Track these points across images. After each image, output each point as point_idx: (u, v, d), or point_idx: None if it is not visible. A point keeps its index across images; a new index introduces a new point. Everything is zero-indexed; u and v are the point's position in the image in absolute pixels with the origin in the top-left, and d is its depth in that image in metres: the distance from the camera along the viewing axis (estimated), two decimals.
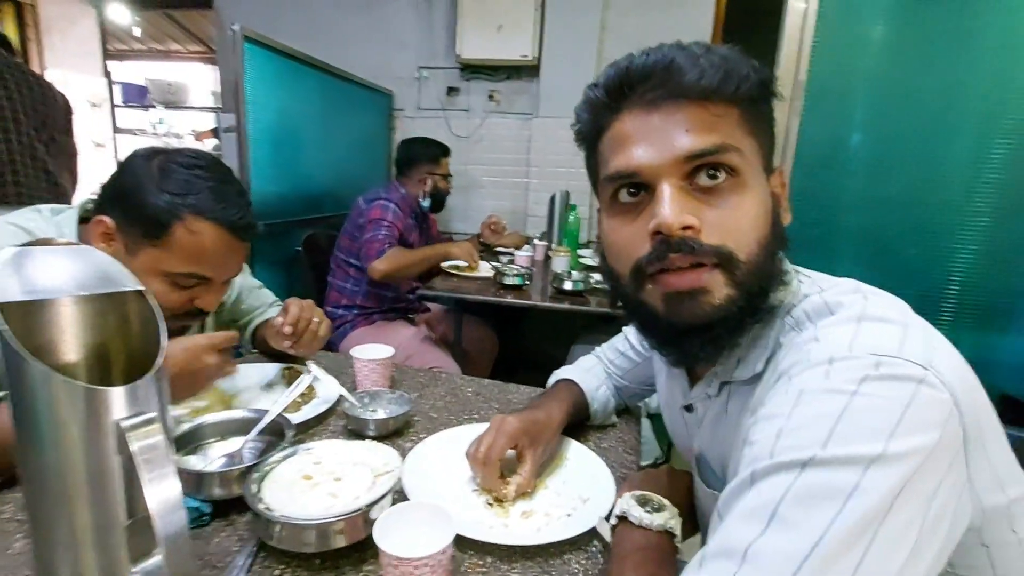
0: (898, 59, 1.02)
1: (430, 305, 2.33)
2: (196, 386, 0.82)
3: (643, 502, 0.63)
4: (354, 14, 3.14)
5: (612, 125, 0.53)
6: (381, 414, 0.91)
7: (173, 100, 5.40)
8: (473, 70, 3.05)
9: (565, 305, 1.81)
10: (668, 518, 0.61)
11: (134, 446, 0.44)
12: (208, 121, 5.08)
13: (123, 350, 0.52)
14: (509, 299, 1.85)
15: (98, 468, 0.45)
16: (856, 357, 0.41)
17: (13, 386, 0.42)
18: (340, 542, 0.59)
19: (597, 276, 2.02)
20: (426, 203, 2.23)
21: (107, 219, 0.81)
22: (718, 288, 0.48)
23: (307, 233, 2.15)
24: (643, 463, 1.45)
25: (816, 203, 1.02)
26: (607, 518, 0.66)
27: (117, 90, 5.07)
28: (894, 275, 0.97)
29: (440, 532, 0.56)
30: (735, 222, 0.49)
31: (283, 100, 2.13)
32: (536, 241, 2.58)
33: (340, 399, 0.92)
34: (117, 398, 0.45)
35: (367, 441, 0.73)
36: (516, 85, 3.04)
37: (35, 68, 3.48)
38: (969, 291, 1.00)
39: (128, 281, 0.51)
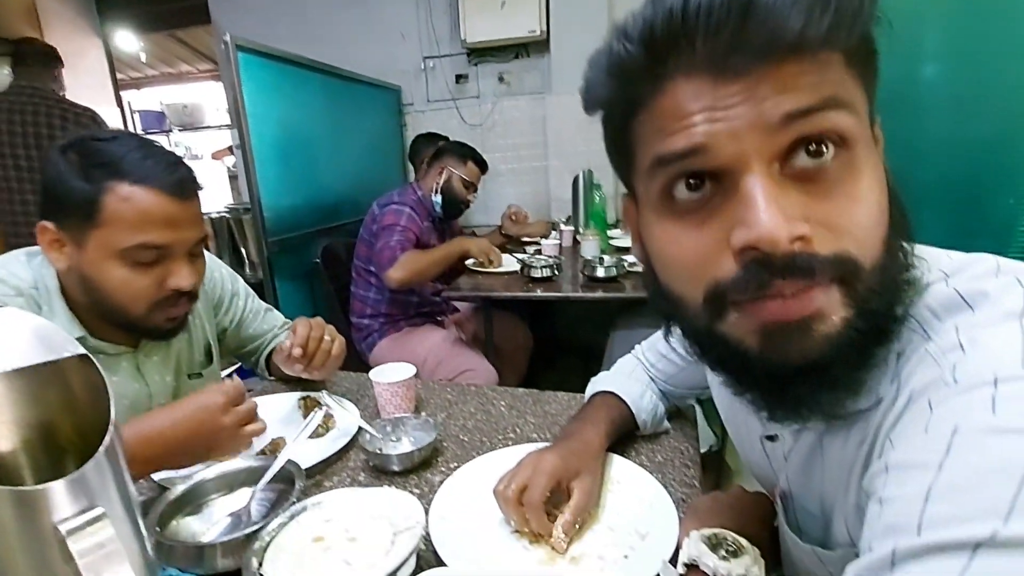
0: None
1: (458, 304, 2.24)
2: (215, 451, 0.72)
3: (715, 544, 0.52)
4: (351, 11, 3.04)
5: (658, 96, 0.36)
6: (405, 445, 0.82)
7: (190, 122, 5.44)
8: (480, 54, 2.92)
9: (599, 294, 1.69)
10: (749, 565, 0.49)
11: (75, 550, 0.36)
12: (226, 139, 5.10)
13: (73, 427, 0.44)
14: (539, 293, 1.74)
15: None
16: None
17: None
18: None
19: (631, 258, 1.88)
20: (437, 199, 2.04)
21: (49, 224, 0.78)
22: (834, 310, 0.34)
23: (324, 244, 2.08)
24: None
25: (888, 151, 0.86)
26: (672, 562, 0.56)
27: (136, 118, 5.14)
28: (989, 232, 0.81)
29: None
30: (855, 217, 0.34)
31: (286, 108, 2.06)
32: (562, 226, 2.45)
33: (360, 430, 0.84)
34: (57, 496, 0.36)
35: (385, 488, 0.64)
36: (526, 63, 2.90)
37: None
38: None
39: (68, 345, 0.42)
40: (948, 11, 0.83)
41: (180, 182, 0.80)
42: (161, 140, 5.38)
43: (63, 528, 0.36)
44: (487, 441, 0.86)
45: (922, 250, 0.40)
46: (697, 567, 0.51)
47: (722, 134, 0.33)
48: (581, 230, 2.32)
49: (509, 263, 2.01)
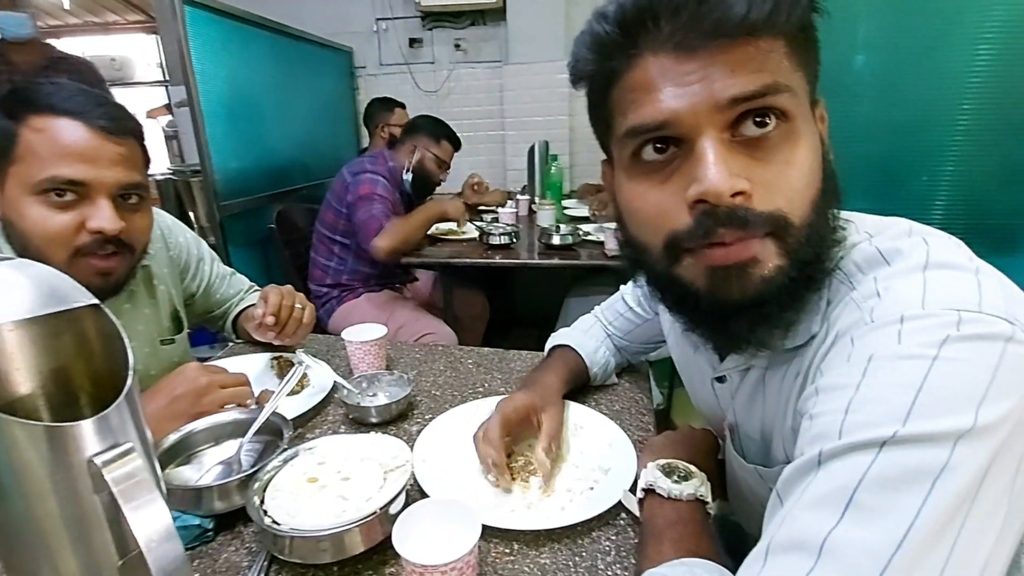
0: None
1: (417, 274, 2.26)
2: (195, 414, 0.75)
3: (669, 471, 0.60)
4: None
5: (630, 70, 0.43)
6: (382, 399, 0.87)
7: (119, 76, 5.04)
8: (435, 18, 2.87)
9: (555, 261, 1.76)
10: (698, 485, 0.58)
11: (110, 479, 0.39)
12: (159, 96, 4.77)
13: (87, 373, 0.46)
14: (497, 259, 1.79)
15: (76, 511, 0.40)
16: (932, 315, 0.36)
17: None
18: (357, 548, 0.55)
19: (586, 228, 1.96)
20: (408, 177, 2.03)
21: None
22: (768, 258, 0.41)
23: (278, 208, 2.04)
24: None
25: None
26: (631, 490, 0.64)
27: None
28: (907, 205, 0.92)
29: (464, 529, 0.52)
30: (789, 180, 0.41)
31: (234, 66, 1.98)
32: (518, 196, 2.50)
33: (336, 386, 0.88)
34: (87, 433, 0.39)
35: (372, 433, 0.69)
36: (482, 31, 2.88)
37: None
38: (979, 215, 0.96)
39: (79, 295, 0.44)
40: (877, 6, 0.92)
41: (107, 116, 0.75)
42: None
43: (98, 460, 0.39)
44: (458, 395, 0.92)
45: (850, 214, 0.49)
46: (654, 491, 0.59)
47: (683, 109, 0.41)
48: (537, 200, 2.37)
49: (468, 230, 2.05)
